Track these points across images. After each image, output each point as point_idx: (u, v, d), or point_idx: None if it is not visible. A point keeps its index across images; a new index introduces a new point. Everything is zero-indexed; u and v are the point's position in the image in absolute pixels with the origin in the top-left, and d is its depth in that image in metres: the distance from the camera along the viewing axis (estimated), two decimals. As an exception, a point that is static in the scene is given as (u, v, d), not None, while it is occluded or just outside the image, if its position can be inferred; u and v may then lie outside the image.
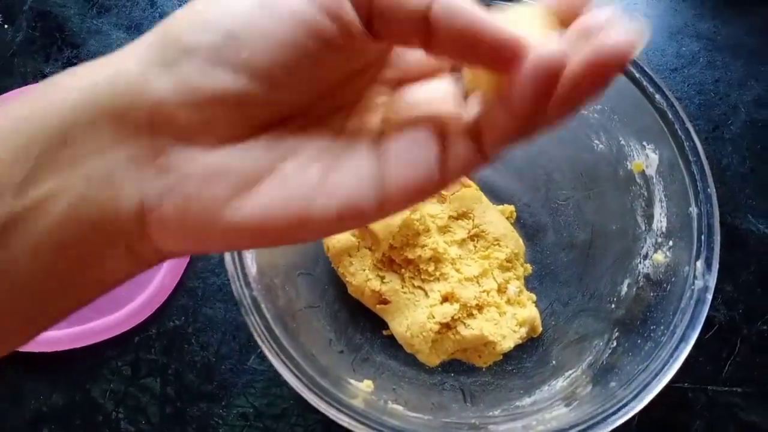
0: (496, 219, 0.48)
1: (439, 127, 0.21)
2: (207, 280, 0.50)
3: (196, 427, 0.46)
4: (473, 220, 0.47)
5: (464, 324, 0.43)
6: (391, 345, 0.45)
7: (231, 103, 0.19)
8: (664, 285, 0.39)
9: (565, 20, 0.20)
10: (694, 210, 0.38)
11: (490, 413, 0.40)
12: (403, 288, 0.44)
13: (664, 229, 0.41)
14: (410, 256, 0.44)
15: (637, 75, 0.39)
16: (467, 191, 0.48)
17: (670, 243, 0.40)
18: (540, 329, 0.46)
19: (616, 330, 0.41)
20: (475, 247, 0.47)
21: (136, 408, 0.47)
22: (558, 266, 0.49)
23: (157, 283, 0.48)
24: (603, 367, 0.40)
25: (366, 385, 0.40)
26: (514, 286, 0.46)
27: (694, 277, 0.37)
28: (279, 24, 0.18)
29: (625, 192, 0.44)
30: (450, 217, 0.47)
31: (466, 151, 0.20)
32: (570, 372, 0.41)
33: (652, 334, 0.38)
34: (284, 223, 0.20)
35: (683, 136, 0.38)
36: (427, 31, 0.18)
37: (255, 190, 0.19)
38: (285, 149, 0.20)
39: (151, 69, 0.19)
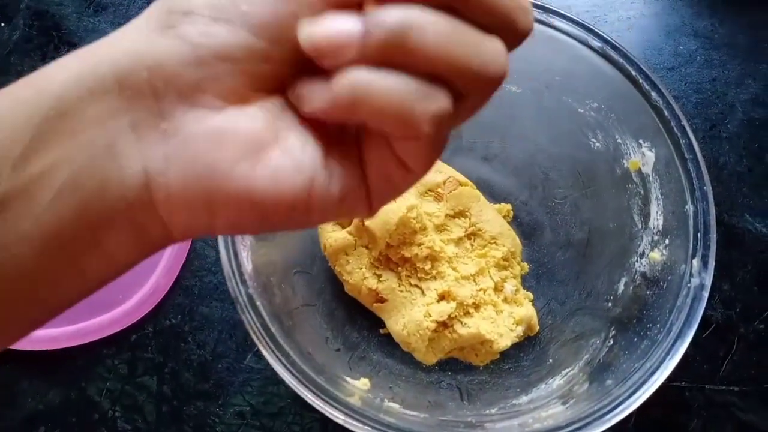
0: (492, 217, 0.48)
1: None
2: (203, 278, 0.50)
3: (193, 426, 0.46)
4: (470, 219, 0.47)
5: (461, 322, 0.43)
6: (388, 343, 0.45)
7: (233, 58, 0.19)
8: (661, 283, 0.39)
9: None
10: (690, 208, 0.38)
11: (487, 411, 0.40)
12: (399, 286, 0.44)
13: (660, 227, 0.41)
14: (407, 254, 0.44)
15: (634, 73, 0.39)
16: (464, 190, 0.48)
17: (667, 241, 0.40)
18: (537, 328, 0.46)
19: (612, 328, 0.41)
20: (472, 245, 0.47)
21: (133, 406, 0.47)
22: (555, 265, 0.49)
23: (153, 282, 0.48)
24: (600, 365, 0.40)
25: (363, 384, 0.40)
26: (511, 285, 0.46)
27: (691, 274, 0.37)
28: None
29: (621, 190, 0.44)
30: (447, 215, 0.47)
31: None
32: (567, 370, 0.41)
33: (648, 332, 0.38)
34: (291, 196, 0.19)
35: (679, 134, 0.38)
36: None
37: (263, 155, 0.19)
38: (288, 120, 0.20)
39: (150, 35, 0.19)
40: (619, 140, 0.43)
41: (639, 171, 0.42)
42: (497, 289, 0.46)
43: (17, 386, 0.47)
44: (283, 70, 0.20)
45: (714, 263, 0.37)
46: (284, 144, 0.19)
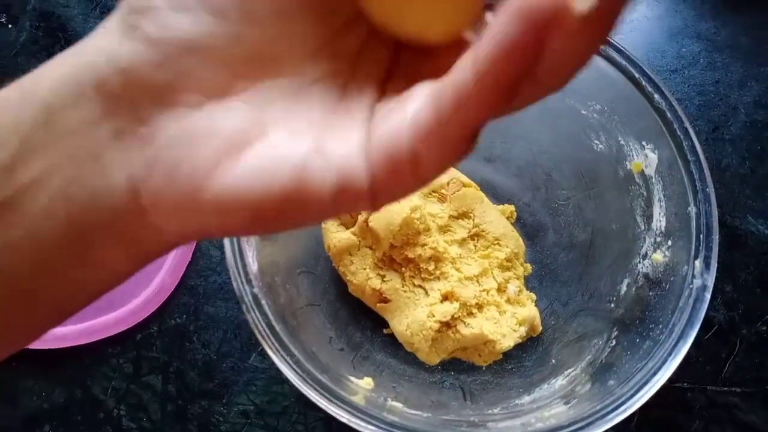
0: (496, 219, 0.48)
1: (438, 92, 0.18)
2: (208, 278, 0.50)
3: (197, 425, 0.47)
4: (473, 220, 0.47)
5: (464, 323, 0.44)
6: (392, 343, 0.46)
7: (200, 48, 0.18)
8: (663, 284, 0.39)
9: None
10: (692, 209, 0.38)
11: (490, 411, 0.40)
12: (403, 287, 0.45)
13: (663, 229, 0.41)
14: (411, 255, 0.44)
15: (637, 75, 0.40)
16: (468, 191, 0.48)
17: (669, 242, 0.40)
18: (540, 328, 0.46)
19: (615, 329, 0.41)
20: (476, 246, 0.47)
21: (137, 405, 0.47)
22: (558, 266, 0.49)
23: (158, 282, 0.49)
24: (602, 365, 0.40)
25: (366, 383, 0.41)
26: (514, 286, 0.46)
27: (693, 275, 0.37)
28: None
29: (624, 192, 0.44)
30: (450, 216, 0.47)
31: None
32: (569, 371, 0.42)
33: (650, 333, 0.38)
34: (279, 192, 0.18)
35: (682, 136, 0.39)
36: None
37: (245, 152, 0.18)
38: (275, 112, 0.19)
39: (117, 38, 0.18)
40: (622, 142, 0.43)
41: (642, 173, 0.42)
42: (500, 289, 0.46)
43: (21, 385, 0.47)
44: (262, 49, 0.19)
45: (716, 264, 0.37)
46: (271, 135, 0.18)
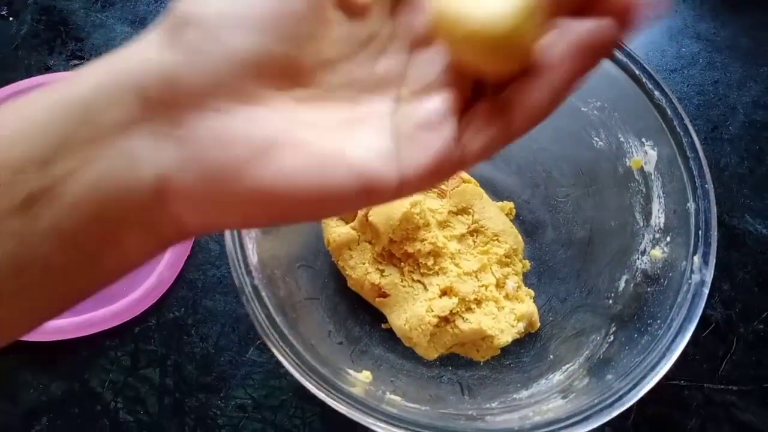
0: (495, 215, 0.48)
1: (459, 100, 0.21)
2: (207, 272, 0.50)
3: (195, 418, 0.47)
4: (473, 216, 0.47)
5: (462, 318, 0.44)
6: (390, 338, 0.46)
7: (239, 61, 0.20)
8: (662, 280, 0.39)
9: None
10: (691, 206, 0.38)
11: (488, 405, 0.40)
12: (402, 282, 0.45)
13: (662, 225, 0.41)
14: (410, 250, 0.45)
15: (637, 72, 0.40)
16: (467, 187, 0.48)
17: (668, 239, 0.40)
18: (538, 324, 0.46)
19: (613, 325, 0.41)
20: (475, 242, 0.47)
21: (135, 398, 0.47)
22: (556, 263, 0.49)
23: (157, 275, 0.48)
24: (600, 360, 0.40)
25: (365, 376, 0.41)
26: (513, 282, 0.46)
27: (692, 271, 0.37)
28: None
29: (623, 189, 0.44)
30: (450, 212, 0.47)
31: (489, 128, 0.21)
32: (567, 366, 0.42)
33: (648, 328, 0.38)
34: (305, 192, 0.20)
35: (681, 133, 0.39)
36: None
37: (274, 154, 0.20)
38: (302, 116, 0.21)
39: (161, 47, 0.20)
40: (621, 139, 0.43)
41: (641, 169, 0.42)
42: (499, 285, 0.46)
43: (20, 377, 0.47)
44: (293, 65, 0.21)
45: (714, 260, 0.37)
46: (299, 140, 0.20)
